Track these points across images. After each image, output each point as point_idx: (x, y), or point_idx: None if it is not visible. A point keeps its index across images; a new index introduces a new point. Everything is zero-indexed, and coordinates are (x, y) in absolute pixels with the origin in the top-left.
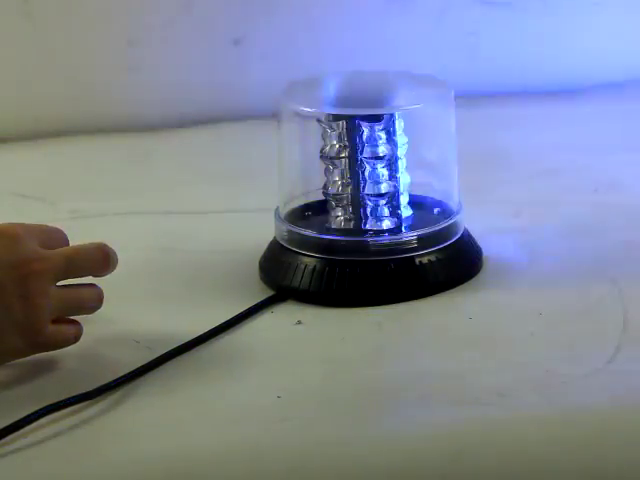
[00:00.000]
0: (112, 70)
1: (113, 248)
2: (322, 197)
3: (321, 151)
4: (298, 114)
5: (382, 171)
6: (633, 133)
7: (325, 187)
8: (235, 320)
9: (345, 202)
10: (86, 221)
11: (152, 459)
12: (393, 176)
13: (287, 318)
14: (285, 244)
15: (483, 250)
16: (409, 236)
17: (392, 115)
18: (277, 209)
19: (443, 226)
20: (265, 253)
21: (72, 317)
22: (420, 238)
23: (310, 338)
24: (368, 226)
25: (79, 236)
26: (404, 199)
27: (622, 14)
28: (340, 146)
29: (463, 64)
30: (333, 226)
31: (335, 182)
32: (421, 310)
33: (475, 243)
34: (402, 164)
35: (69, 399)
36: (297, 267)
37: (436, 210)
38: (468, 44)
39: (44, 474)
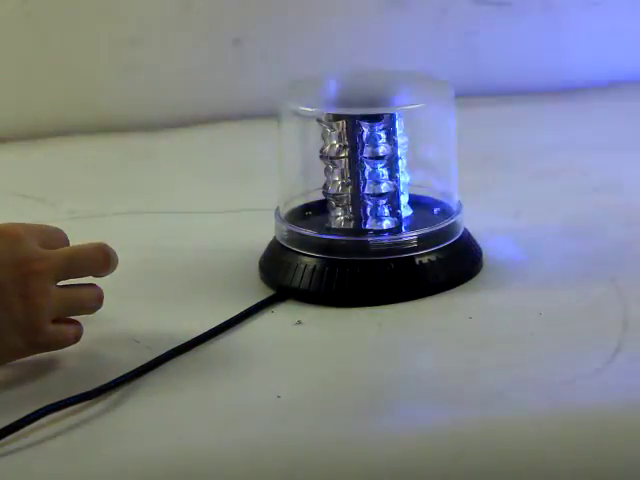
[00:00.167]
0: (112, 70)
1: (113, 248)
2: (322, 197)
3: (321, 151)
4: (298, 114)
5: (382, 171)
6: (633, 133)
7: (325, 187)
8: (235, 320)
9: (345, 202)
10: (86, 221)
11: (152, 459)
12: (393, 176)
13: (287, 318)
14: (285, 244)
15: (483, 250)
16: (409, 236)
17: (392, 115)
18: (277, 209)
19: (443, 226)
20: (265, 253)
21: (72, 317)
22: (420, 238)
23: (310, 338)
24: (368, 226)
25: (79, 236)
26: (404, 199)
27: (622, 14)
28: (340, 146)
29: (463, 64)
30: (333, 226)
31: (335, 182)
32: (421, 310)
33: (475, 243)
34: (402, 164)
35: (69, 399)
36: (297, 267)
37: (436, 210)
38: (468, 44)
39: (44, 474)
